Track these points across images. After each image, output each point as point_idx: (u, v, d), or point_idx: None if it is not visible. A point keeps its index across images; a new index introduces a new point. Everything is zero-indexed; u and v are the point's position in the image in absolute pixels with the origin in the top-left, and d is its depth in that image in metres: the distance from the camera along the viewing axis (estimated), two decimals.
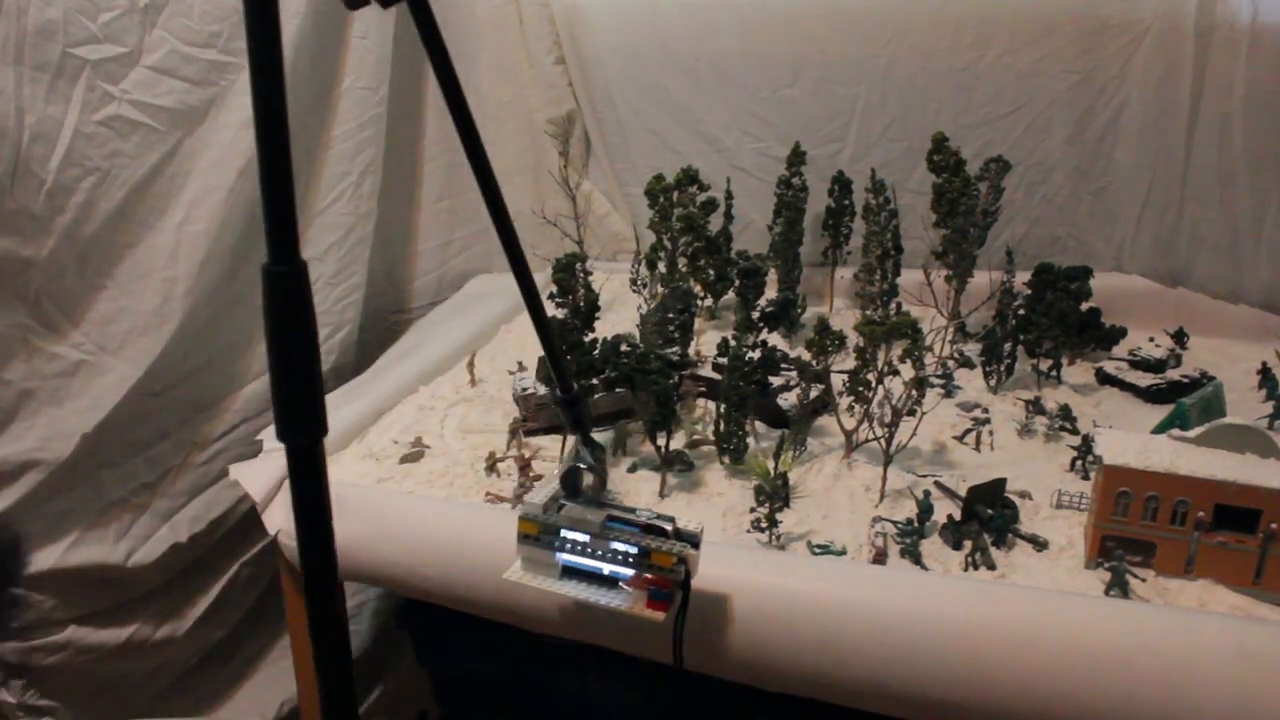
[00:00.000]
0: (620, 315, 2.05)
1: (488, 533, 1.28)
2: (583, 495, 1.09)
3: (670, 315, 1.68)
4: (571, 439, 1.53)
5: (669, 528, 1.03)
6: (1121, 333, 1.89)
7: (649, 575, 1.03)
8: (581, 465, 1.09)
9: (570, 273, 1.65)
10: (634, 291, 1.99)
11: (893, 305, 1.93)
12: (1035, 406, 1.63)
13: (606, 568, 1.05)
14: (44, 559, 1.71)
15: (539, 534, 1.07)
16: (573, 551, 1.06)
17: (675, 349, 1.66)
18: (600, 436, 1.57)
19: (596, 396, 1.55)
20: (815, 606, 1.11)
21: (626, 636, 1.21)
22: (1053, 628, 1.05)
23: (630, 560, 1.04)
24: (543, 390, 1.59)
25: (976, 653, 1.05)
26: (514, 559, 1.10)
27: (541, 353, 1.54)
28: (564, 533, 1.06)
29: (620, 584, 1.05)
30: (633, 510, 1.06)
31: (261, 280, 0.64)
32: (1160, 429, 1.41)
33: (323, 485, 0.69)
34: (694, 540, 1.03)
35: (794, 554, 1.27)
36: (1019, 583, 1.21)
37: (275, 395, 0.67)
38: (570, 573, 1.08)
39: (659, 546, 1.02)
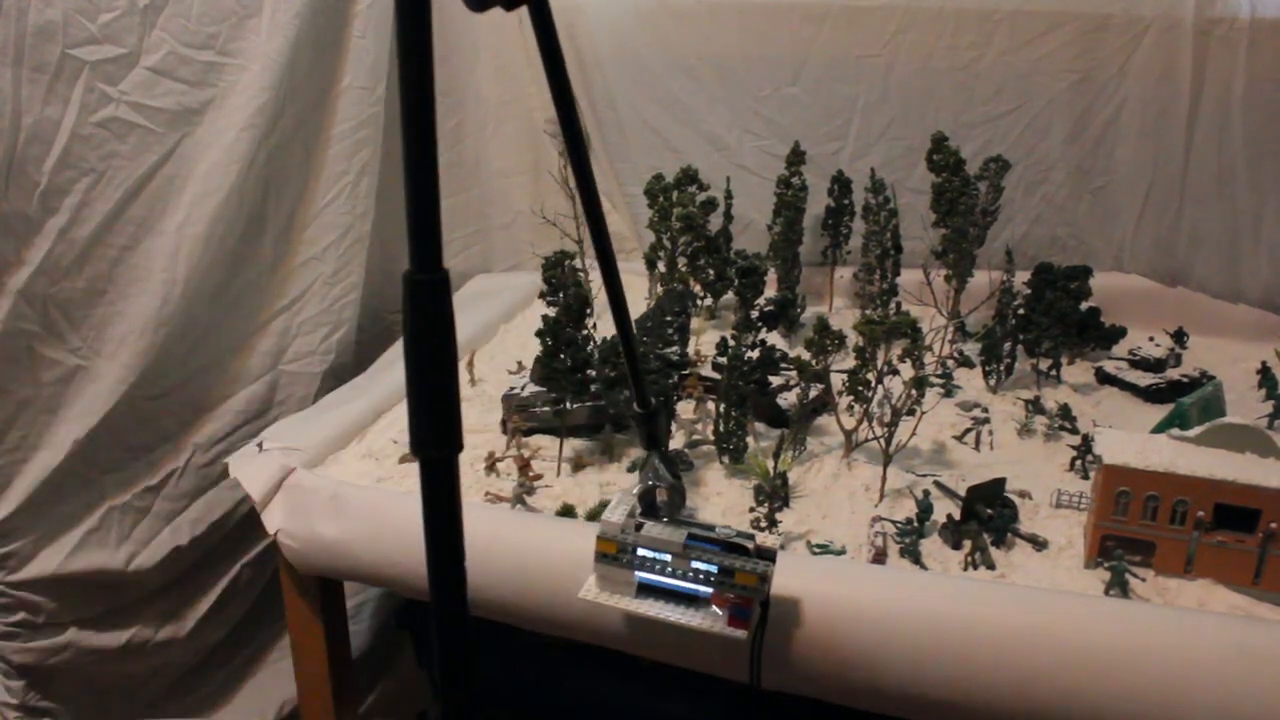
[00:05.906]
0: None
1: (487, 532, 1.28)
2: (660, 512, 1.09)
3: (669, 318, 1.68)
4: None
5: (750, 546, 1.03)
6: (1121, 332, 1.89)
7: (731, 595, 1.03)
8: (660, 484, 1.09)
9: (560, 270, 1.64)
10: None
11: (892, 305, 1.94)
12: (1035, 406, 1.63)
13: (687, 586, 1.05)
14: (45, 564, 1.71)
15: (617, 553, 1.06)
16: (652, 570, 1.06)
17: (675, 349, 1.65)
18: (588, 444, 1.57)
19: (575, 406, 1.52)
20: (814, 606, 1.11)
21: (633, 639, 1.21)
22: (1053, 628, 1.05)
23: (711, 579, 1.03)
24: (526, 392, 1.58)
25: (976, 653, 1.04)
26: (588, 576, 1.09)
27: (537, 354, 1.53)
28: (643, 552, 1.05)
29: (701, 602, 1.05)
30: (712, 528, 1.06)
31: (403, 288, 0.62)
32: (1160, 428, 1.41)
33: (456, 500, 0.68)
34: (773, 556, 1.03)
35: (793, 553, 1.27)
36: (1019, 582, 1.21)
37: (412, 406, 0.65)
38: (646, 590, 1.07)
39: (743, 566, 1.02)
